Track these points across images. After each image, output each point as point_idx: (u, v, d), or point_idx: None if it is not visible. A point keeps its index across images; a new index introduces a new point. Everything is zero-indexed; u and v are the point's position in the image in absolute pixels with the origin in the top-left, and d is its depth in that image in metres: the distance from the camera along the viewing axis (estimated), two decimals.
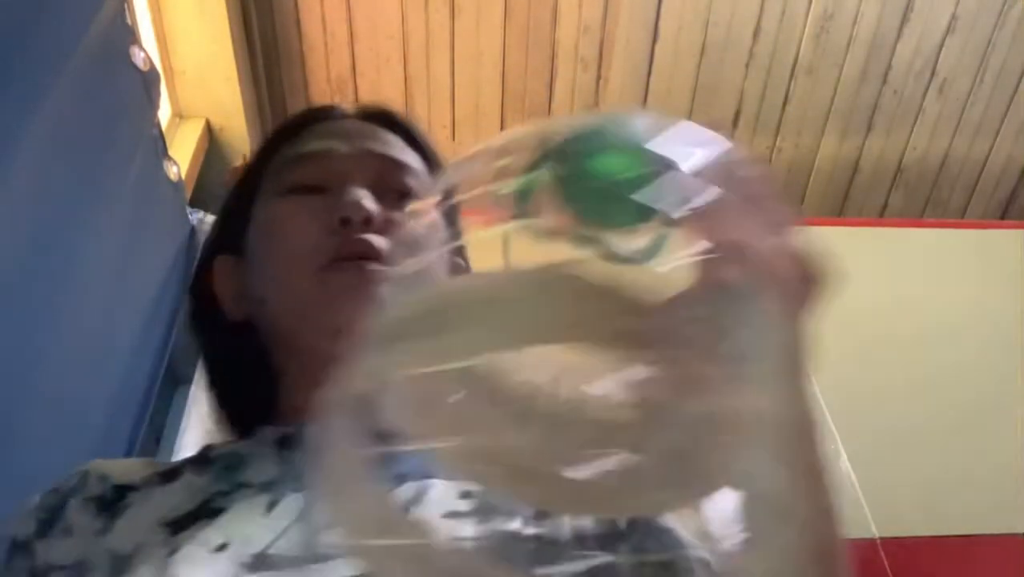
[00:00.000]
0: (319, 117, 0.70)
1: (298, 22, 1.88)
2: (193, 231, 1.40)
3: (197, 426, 1.16)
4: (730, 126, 2.15)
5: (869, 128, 2.21)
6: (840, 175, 2.30)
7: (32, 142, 0.78)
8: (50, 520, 0.56)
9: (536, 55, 1.99)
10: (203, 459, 0.60)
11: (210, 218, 1.46)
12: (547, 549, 0.49)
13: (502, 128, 2.09)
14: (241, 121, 1.63)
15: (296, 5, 1.85)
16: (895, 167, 2.29)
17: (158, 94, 1.20)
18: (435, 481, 0.53)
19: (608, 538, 0.50)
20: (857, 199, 2.34)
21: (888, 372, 1.66)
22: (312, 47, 1.91)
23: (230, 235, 0.68)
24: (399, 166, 0.66)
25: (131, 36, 1.11)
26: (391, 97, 2.00)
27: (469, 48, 1.96)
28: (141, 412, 1.10)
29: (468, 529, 0.48)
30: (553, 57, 2.00)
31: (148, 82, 1.15)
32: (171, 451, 1.13)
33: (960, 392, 1.66)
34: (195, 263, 0.74)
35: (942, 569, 1.51)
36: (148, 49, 1.17)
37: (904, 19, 2.04)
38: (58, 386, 0.87)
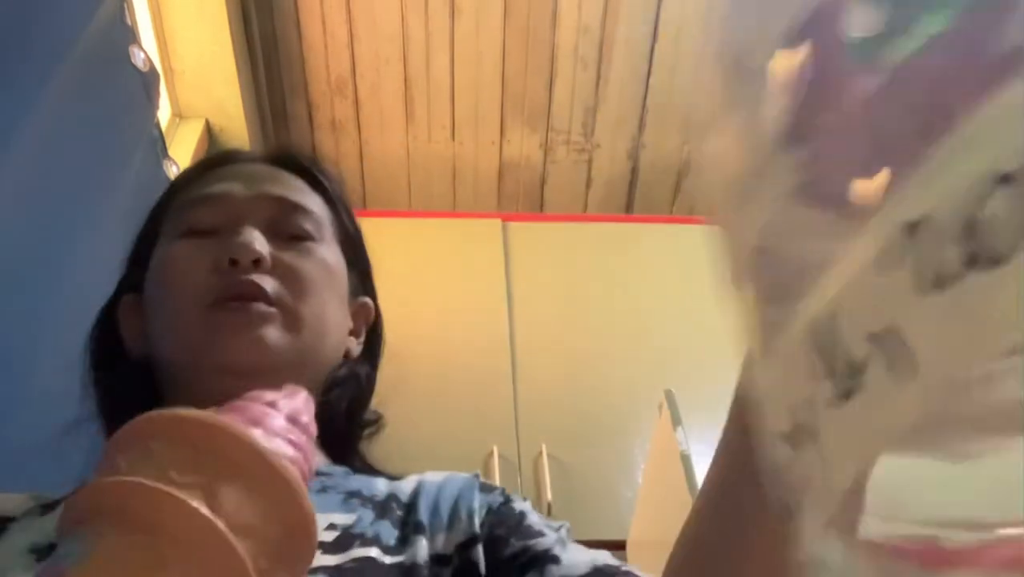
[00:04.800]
0: (221, 161, 0.73)
1: (298, 23, 1.88)
2: None
3: None
4: None
5: None
6: None
7: (30, 142, 0.78)
8: None
9: (536, 55, 1.99)
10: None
11: None
12: None
13: (502, 128, 2.09)
14: (241, 122, 1.63)
15: (296, 6, 1.85)
16: None
17: (158, 94, 1.20)
18: None
19: None
20: None
21: None
22: (312, 48, 1.91)
23: (134, 275, 0.71)
24: (295, 208, 0.67)
25: (131, 36, 1.11)
26: (391, 97, 2.00)
27: (469, 49, 1.96)
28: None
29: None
30: (553, 57, 2.00)
31: (147, 82, 1.15)
32: None
33: None
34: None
35: None
36: (148, 49, 1.17)
37: None
38: (56, 386, 0.87)
